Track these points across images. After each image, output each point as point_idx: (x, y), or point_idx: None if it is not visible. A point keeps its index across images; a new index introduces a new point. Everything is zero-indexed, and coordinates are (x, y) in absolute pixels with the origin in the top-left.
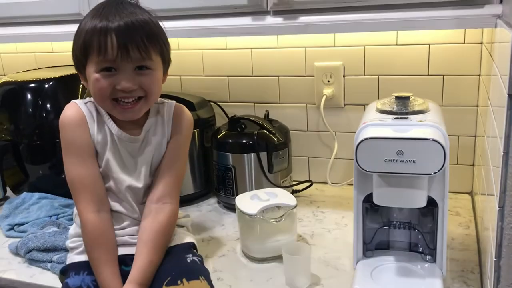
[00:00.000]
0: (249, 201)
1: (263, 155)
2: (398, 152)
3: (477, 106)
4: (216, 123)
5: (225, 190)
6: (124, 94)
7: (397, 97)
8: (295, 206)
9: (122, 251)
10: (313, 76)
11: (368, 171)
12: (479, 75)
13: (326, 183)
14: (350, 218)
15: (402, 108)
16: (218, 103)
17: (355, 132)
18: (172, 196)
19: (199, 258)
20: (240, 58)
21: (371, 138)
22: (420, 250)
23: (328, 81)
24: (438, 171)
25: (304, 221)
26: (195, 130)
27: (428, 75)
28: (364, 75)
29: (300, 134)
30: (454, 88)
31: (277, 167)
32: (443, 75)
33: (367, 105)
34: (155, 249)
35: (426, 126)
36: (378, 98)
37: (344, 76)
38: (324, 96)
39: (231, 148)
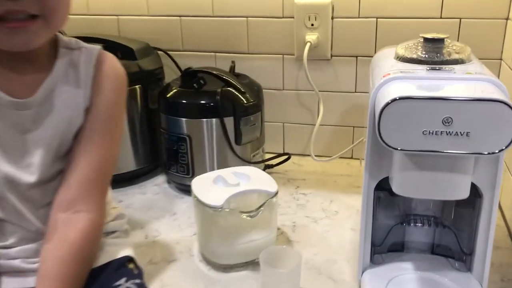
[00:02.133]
0: (211, 187)
1: (229, 121)
2: (445, 120)
3: (500, 59)
4: (164, 77)
5: (178, 167)
6: (11, 5)
7: (426, 39)
8: (276, 194)
9: (9, 283)
10: (293, 17)
11: (398, 149)
12: (507, 19)
13: (305, 155)
14: (340, 203)
15: (436, 55)
16: (168, 51)
17: (343, 92)
18: (91, 200)
19: (137, 281)
20: None
21: (403, 98)
22: (447, 253)
23: (312, 25)
24: (506, 148)
25: (282, 207)
26: (137, 86)
27: (441, 18)
28: (359, 17)
29: (274, 93)
30: (474, 35)
31: (247, 137)
32: (460, 18)
33: (361, 56)
34: (64, 286)
35: (480, 80)
36: (376, 48)
37: (332, 18)
38: (308, 44)
39: (185, 112)
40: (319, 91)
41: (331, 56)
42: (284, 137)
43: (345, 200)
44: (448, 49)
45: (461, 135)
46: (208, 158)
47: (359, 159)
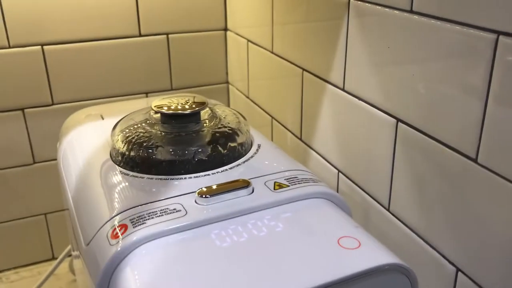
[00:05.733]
0: None
1: None
2: None
3: (227, 83)
4: None
5: None
6: None
7: (166, 115)
8: None
9: None
10: None
11: None
12: (226, 30)
13: None
14: None
15: (196, 149)
16: None
17: (14, 167)
18: None
19: None
20: None
21: None
22: None
23: None
24: None
25: None
26: None
27: (142, 35)
28: (10, 47)
29: None
30: (190, 55)
31: None
32: (167, 34)
33: (29, 108)
34: None
35: (308, 198)
36: (50, 89)
37: None
38: None
39: None
40: None
41: None
42: None
43: None
44: (210, 127)
45: None
46: None
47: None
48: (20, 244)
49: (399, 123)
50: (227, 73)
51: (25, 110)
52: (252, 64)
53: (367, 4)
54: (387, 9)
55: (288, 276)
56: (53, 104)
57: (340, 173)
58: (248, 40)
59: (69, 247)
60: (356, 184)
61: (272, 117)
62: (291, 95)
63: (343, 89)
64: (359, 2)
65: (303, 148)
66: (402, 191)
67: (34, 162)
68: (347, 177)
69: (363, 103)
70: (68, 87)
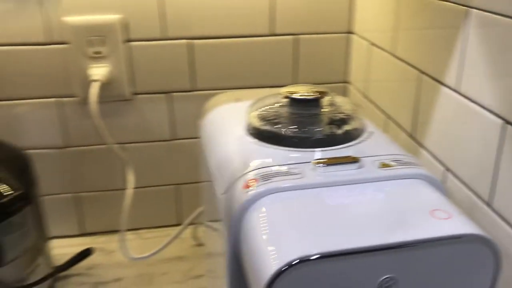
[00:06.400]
0: None
1: None
2: (385, 284)
3: (345, 82)
4: None
5: None
6: None
7: (294, 101)
8: None
9: None
10: (67, 44)
11: None
12: (349, 33)
13: (113, 232)
14: None
15: (315, 128)
16: None
17: (156, 142)
18: None
19: None
20: None
21: (308, 259)
22: None
23: (98, 53)
24: None
25: None
26: None
27: (273, 35)
28: (165, 39)
29: (52, 155)
30: (313, 55)
31: (14, 250)
32: (296, 35)
33: (176, 92)
34: None
35: (408, 178)
36: (195, 78)
37: (127, 41)
38: (97, 83)
39: None
40: (122, 143)
41: (133, 94)
42: (81, 212)
43: None
44: (329, 112)
45: None
46: None
47: (194, 224)
48: (155, 208)
49: (508, 126)
50: (346, 73)
51: (172, 94)
52: (374, 65)
53: (488, 13)
54: (508, 20)
55: (383, 231)
56: (195, 90)
57: (447, 171)
58: (372, 43)
59: (194, 214)
60: (463, 183)
61: (387, 116)
62: (407, 96)
63: (458, 92)
64: (481, 11)
65: (413, 146)
66: (506, 190)
67: (175, 139)
68: (454, 175)
69: (477, 106)
70: (208, 77)
